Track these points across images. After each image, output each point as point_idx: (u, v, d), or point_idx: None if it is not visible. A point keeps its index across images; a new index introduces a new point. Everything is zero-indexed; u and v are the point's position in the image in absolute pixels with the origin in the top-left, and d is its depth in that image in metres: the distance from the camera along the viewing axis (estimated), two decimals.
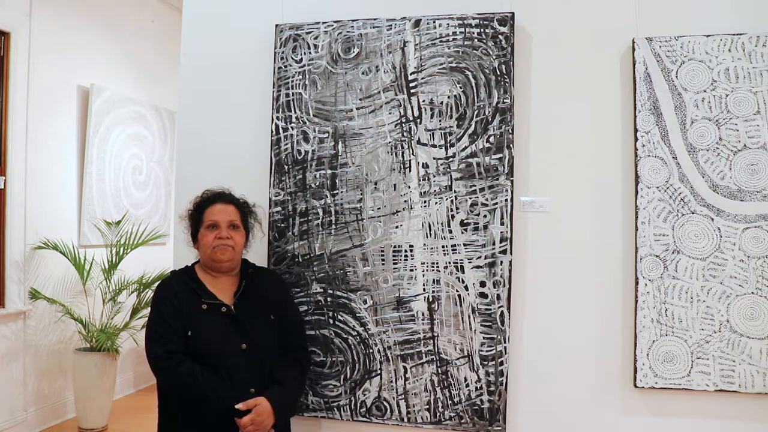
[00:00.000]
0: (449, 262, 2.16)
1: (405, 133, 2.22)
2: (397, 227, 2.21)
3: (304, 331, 2.17)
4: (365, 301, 2.22)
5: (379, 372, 2.20)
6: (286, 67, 2.31)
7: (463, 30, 2.18)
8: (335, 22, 2.28)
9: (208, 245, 1.97)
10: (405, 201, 2.21)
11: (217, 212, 2.01)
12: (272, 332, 2.01)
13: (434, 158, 2.19)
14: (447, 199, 2.17)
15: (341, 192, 2.25)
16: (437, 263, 2.17)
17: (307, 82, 2.29)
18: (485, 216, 2.14)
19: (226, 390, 1.86)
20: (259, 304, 2.02)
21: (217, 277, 2.02)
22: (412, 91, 2.22)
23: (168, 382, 1.92)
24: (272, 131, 2.31)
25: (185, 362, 1.86)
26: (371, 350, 2.21)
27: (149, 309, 1.97)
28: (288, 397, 1.99)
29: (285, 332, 2.06)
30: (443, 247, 2.17)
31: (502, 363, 2.12)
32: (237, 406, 1.84)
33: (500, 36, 2.15)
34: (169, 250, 3.63)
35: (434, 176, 2.19)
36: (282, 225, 2.28)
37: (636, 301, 2.08)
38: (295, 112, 2.29)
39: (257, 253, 2.31)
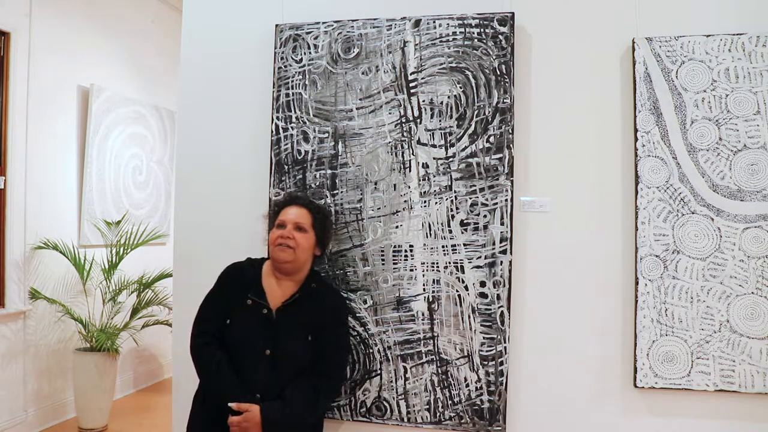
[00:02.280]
0: (449, 262, 2.16)
1: (405, 133, 2.22)
2: (397, 227, 2.21)
3: (339, 362, 2.08)
4: (365, 301, 2.22)
5: (379, 372, 2.20)
6: (286, 67, 2.31)
7: (463, 30, 2.18)
8: (335, 22, 2.28)
9: (272, 242, 2.00)
10: (405, 201, 2.21)
11: (288, 213, 2.02)
12: (303, 351, 1.95)
13: (434, 158, 2.19)
14: (447, 199, 2.17)
15: (341, 192, 2.25)
16: (437, 263, 2.17)
17: (307, 82, 2.29)
18: (485, 216, 2.14)
19: (233, 386, 1.89)
20: (303, 319, 1.96)
21: (280, 279, 2.01)
22: (412, 91, 2.22)
23: (193, 356, 1.99)
24: (272, 131, 2.31)
25: (211, 346, 1.94)
26: (371, 350, 2.21)
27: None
28: (286, 416, 1.88)
29: (317, 355, 1.98)
30: (443, 247, 2.17)
31: (502, 363, 2.12)
32: (230, 405, 1.86)
33: (500, 36, 2.15)
34: (169, 250, 3.63)
35: (434, 176, 2.19)
36: None
37: (636, 301, 2.08)
38: (295, 112, 2.29)
39: (257, 254, 2.31)
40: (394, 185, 2.22)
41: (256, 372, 1.91)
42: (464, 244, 2.15)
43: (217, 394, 1.91)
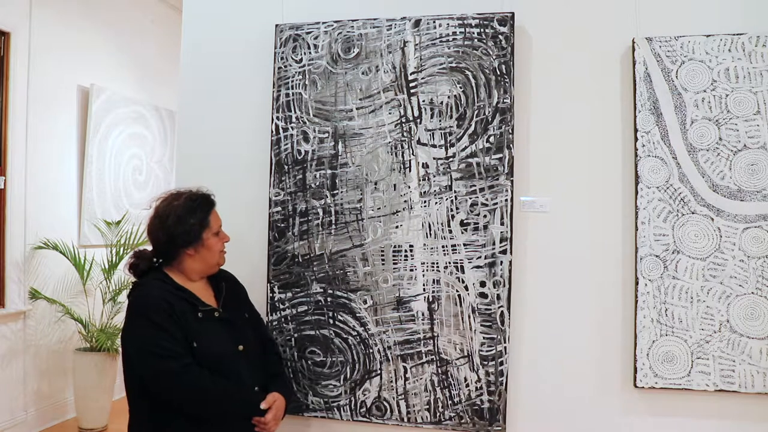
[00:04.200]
0: (449, 262, 2.16)
1: (405, 133, 2.22)
2: (397, 227, 2.21)
3: (267, 327, 2.24)
4: (365, 301, 2.22)
5: (379, 372, 2.20)
6: (286, 67, 2.31)
7: (463, 30, 2.18)
8: (335, 22, 2.28)
9: (218, 250, 1.97)
10: (405, 201, 2.21)
11: (218, 219, 2.00)
12: (252, 330, 2.05)
13: (434, 158, 2.19)
14: (447, 199, 2.17)
15: (341, 192, 2.25)
16: (437, 263, 2.17)
17: (307, 82, 2.29)
18: (485, 216, 2.14)
19: (247, 393, 1.90)
20: (236, 304, 2.04)
21: (195, 281, 1.97)
22: (412, 91, 2.22)
23: (191, 396, 1.80)
24: (272, 131, 2.31)
25: (204, 373, 1.81)
26: (371, 350, 2.21)
27: (136, 324, 1.82)
28: (290, 387, 2.14)
29: (257, 328, 2.10)
30: (443, 247, 2.17)
31: (502, 363, 2.12)
32: (262, 407, 1.89)
33: (500, 36, 2.15)
34: None
35: (434, 176, 2.19)
36: (282, 225, 2.28)
37: (636, 301, 2.08)
38: (295, 112, 2.29)
39: (257, 253, 2.31)
40: (394, 185, 2.22)
41: (239, 371, 1.90)
42: (464, 244, 2.15)
43: (243, 406, 1.88)
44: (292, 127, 2.29)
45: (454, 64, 2.19)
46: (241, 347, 1.93)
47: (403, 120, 2.22)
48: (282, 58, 2.31)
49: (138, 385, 1.84)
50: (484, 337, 2.13)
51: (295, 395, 2.22)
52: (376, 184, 2.23)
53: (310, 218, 2.26)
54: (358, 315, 2.22)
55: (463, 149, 2.17)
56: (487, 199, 2.14)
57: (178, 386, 1.78)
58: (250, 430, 1.90)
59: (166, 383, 1.78)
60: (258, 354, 2.01)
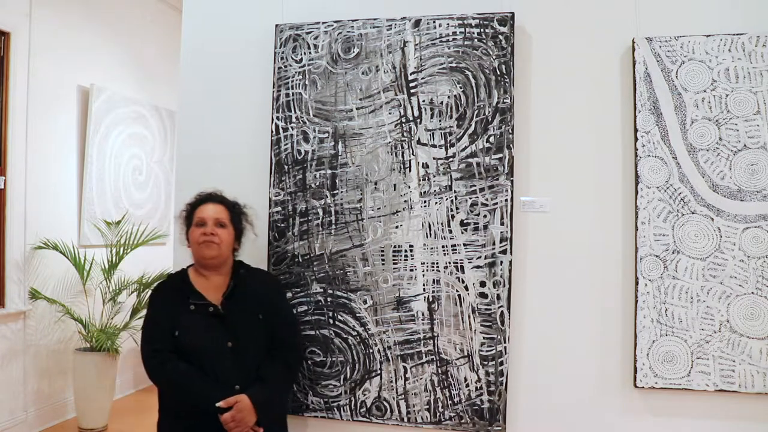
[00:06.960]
0: (449, 262, 2.16)
1: (405, 133, 2.22)
2: (397, 227, 2.21)
3: (296, 333, 2.14)
4: (365, 301, 2.22)
5: (379, 372, 2.20)
6: (286, 67, 2.31)
7: (463, 30, 2.18)
8: (335, 22, 2.28)
9: (195, 241, 2.03)
10: (405, 201, 2.21)
11: (206, 210, 2.05)
12: (260, 331, 2.01)
13: (434, 158, 2.19)
14: (447, 199, 2.17)
15: (341, 192, 2.25)
16: (437, 263, 2.17)
17: (307, 82, 2.29)
18: (485, 216, 2.14)
19: (210, 388, 1.90)
20: (248, 303, 2.03)
21: (208, 276, 2.05)
22: (412, 91, 2.22)
23: (154, 379, 1.97)
24: (272, 131, 2.31)
25: (170, 360, 1.93)
26: (371, 350, 2.21)
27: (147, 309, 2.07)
28: (271, 394, 1.97)
29: (275, 332, 2.05)
30: (443, 247, 2.17)
31: (502, 363, 2.12)
32: (218, 404, 1.86)
33: (500, 36, 2.15)
34: (169, 250, 3.62)
35: (434, 176, 2.19)
36: (282, 225, 2.28)
37: (636, 301, 2.08)
38: (295, 112, 2.29)
39: (258, 253, 2.31)
40: (394, 185, 2.22)
41: (223, 367, 1.93)
42: (464, 244, 2.15)
43: (199, 400, 1.89)
44: (292, 127, 2.29)
45: (454, 64, 2.19)
46: (229, 344, 1.94)
47: (403, 120, 2.22)
48: (282, 58, 2.31)
49: None
50: (484, 337, 2.13)
51: (280, 405, 2.07)
52: (376, 184, 2.23)
53: (310, 218, 2.26)
54: (358, 315, 2.22)
55: (463, 149, 2.17)
56: (487, 199, 2.14)
57: (148, 369, 1.97)
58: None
59: (143, 363, 1.98)
60: (253, 355, 1.99)
